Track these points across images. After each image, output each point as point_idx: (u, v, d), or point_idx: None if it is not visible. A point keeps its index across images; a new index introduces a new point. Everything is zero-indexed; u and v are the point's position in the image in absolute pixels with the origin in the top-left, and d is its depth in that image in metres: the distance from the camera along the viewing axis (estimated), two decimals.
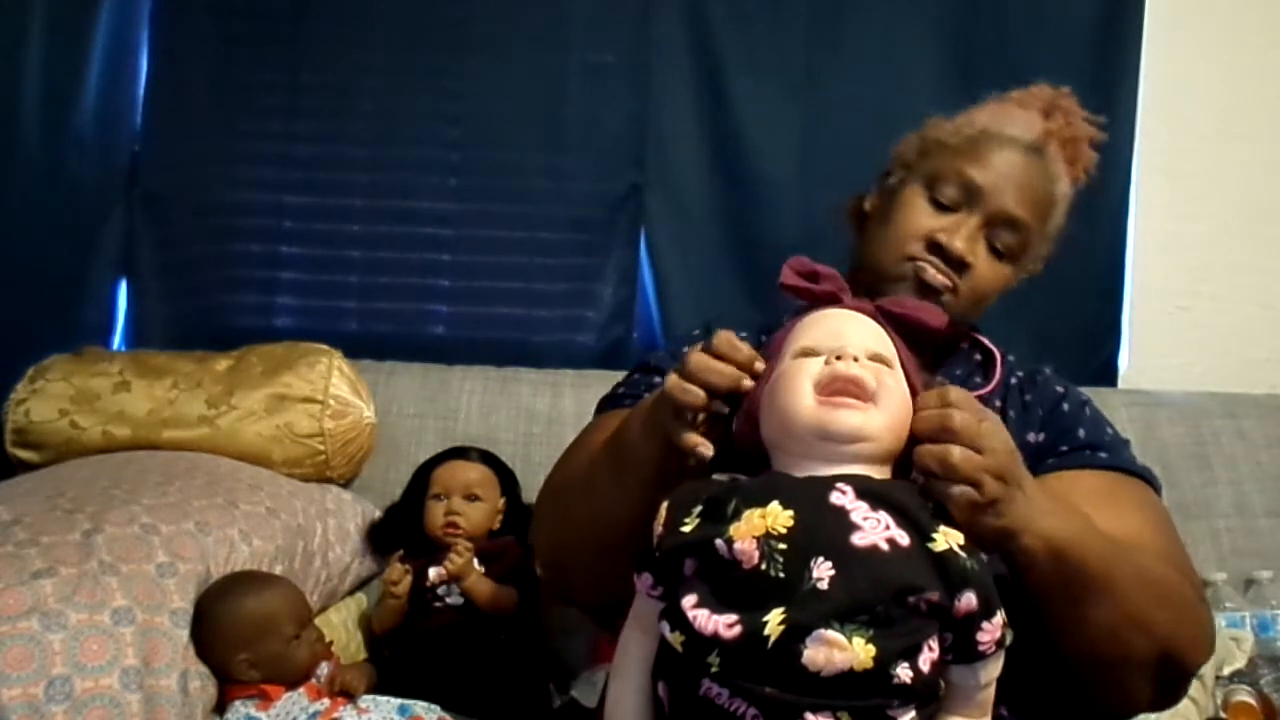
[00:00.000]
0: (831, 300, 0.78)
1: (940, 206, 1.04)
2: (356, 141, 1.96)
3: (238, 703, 1.20)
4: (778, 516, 0.65)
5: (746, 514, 0.66)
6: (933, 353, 1.04)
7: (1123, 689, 0.86)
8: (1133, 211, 1.90)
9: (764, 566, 0.64)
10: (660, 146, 1.93)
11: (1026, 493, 0.75)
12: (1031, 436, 1.01)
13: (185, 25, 1.96)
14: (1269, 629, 1.44)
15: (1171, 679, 0.87)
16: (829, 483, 0.67)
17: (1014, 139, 1.05)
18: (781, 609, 0.62)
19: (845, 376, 0.69)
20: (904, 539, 0.65)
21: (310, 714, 1.19)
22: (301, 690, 1.22)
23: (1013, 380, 1.07)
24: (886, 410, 0.69)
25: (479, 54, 1.94)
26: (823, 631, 0.61)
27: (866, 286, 0.99)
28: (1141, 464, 1.02)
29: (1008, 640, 0.67)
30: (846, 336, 0.73)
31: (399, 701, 1.24)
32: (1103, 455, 1.00)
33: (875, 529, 0.64)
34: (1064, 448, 1.01)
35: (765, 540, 0.64)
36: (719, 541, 0.65)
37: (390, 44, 1.95)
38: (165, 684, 1.12)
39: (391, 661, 1.39)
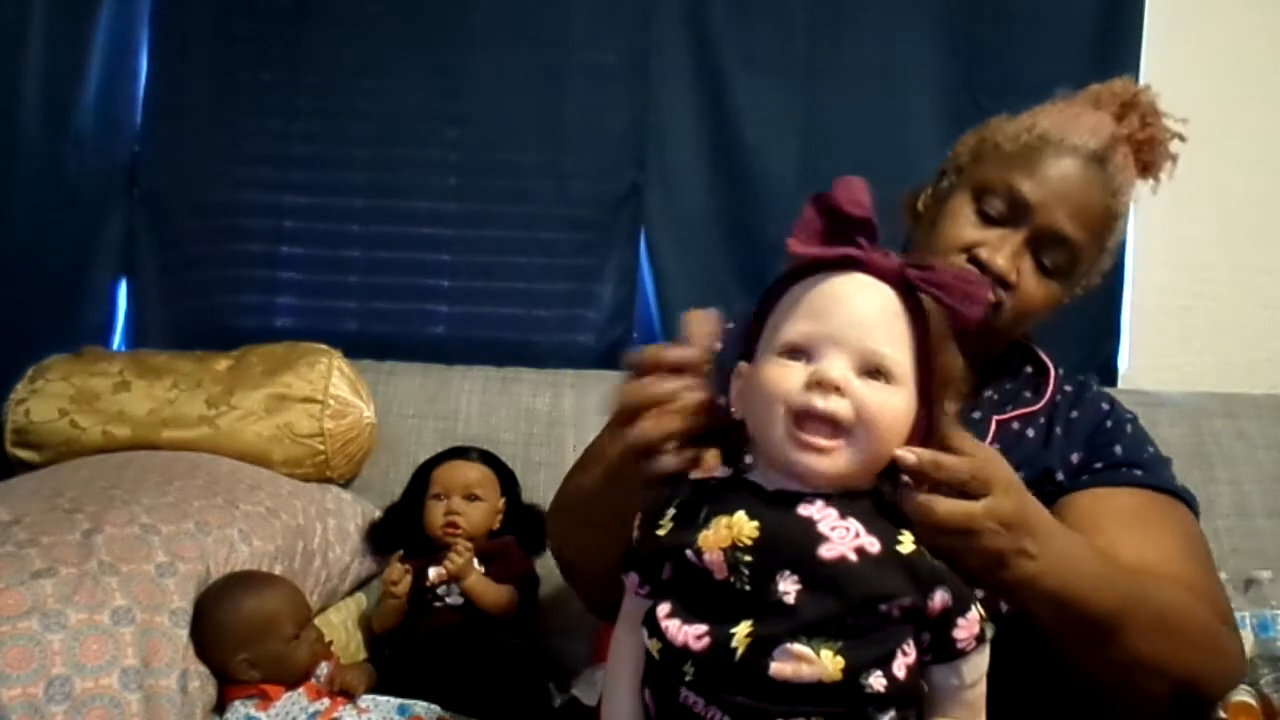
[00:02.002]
0: (848, 265, 0.67)
1: (986, 219, 0.99)
2: (356, 141, 1.96)
3: (237, 703, 1.20)
4: (743, 527, 0.64)
5: (715, 522, 0.65)
6: (982, 360, 1.02)
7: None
8: (1132, 211, 1.89)
9: (731, 578, 0.63)
10: (660, 146, 1.92)
11: (1039, 540, 0.73)
12: (1075, 457, 1.00)
13: (185, 25, 1.96)
14: (1269, 629, 1.44)
15: (1191, 709, 0.86)
16: (798, 495, 0.65)
17: (1075, 147, 0.99)
18: (749, 622, 0.62)
19: (819, 413, 0.64)
20: (874, 546, 0.63)
21: (310, 714, 1.19)
22: (301, 690, 1.22)
23: (1059, 397, 1.05)
24: (863, 444, 0.65)
25: (479, 54, 1.94)
26: (789, 645, 0.61)
27: None
28: (1180, 484, 1.00)
29: (988, 634, 0.66)
30: (842, 335, 0.65)
31: (399, 701, 1.24)
32: (1137, 473, 0.98)
33: (844, 539, 0.63)
34: (1098, 464, 0.99)
35: (732, 551, 0.63)
36: (689, 551, 0.65)
37: (390, 44, 1.94)
38: (165, 684, 1.11)
39: (391, 661, 1.39)
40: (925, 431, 0.69)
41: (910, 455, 0.67)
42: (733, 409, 0.71)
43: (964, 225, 1.00)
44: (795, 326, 0.67)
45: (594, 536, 0.86)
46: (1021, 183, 0.98)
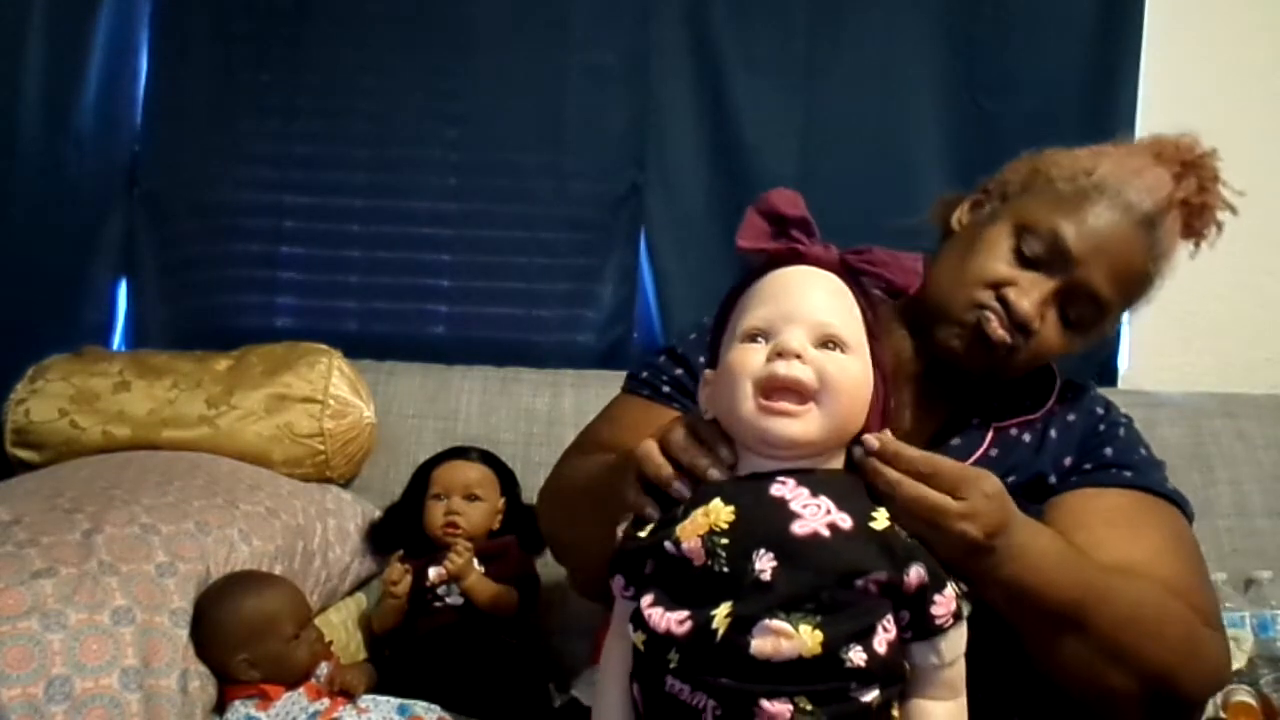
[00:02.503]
0: (792, 256, 0.73)
1: (1022, 258, 0.96)
2: (356, 141, 1.96)
3: (237, 703, 1.20)
4: (720, 513, 0.66)
5: (692, 514, 0.67)
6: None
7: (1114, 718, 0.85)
8: None
9: (709, 563, 0.65)
10: (660, 146, 1.92)
11: (1000, 536, 0.74)
12: (1068, 460, 1.00)
13: (185, 25, 1.96)
14: (1269, 629, 1.44)
15: (1169, 710, 0.86)
16: (770, 476, 0.68)
17: (1129, 205, 0.95)
18: (729, 603, 0.64)
19: (783, 380, 0.67)
20: (846, 522, 0.65)
21: (310, 714, 1.19)
22: (301, 690, 1.22)
23: (1058, 405, 1.04)
24: (830, 408, 0.67)
25: (479, 54, 1.94)
26: (768, 622, 0.62)
27: (927, 311, 0.97)
28: (1172, 487, 1.00)
29: (965, 612, 0.68)
30: (796, 314, 0.69)
31: (399, 701, 1.24)
32: (1126, 474, 0.98)
33: (816, 515, 0.65)
34: (1088, 465, 0.99)
35: (709, 537, 0.66)
36: (667, 543, 0.67)
37: (390, 44, 1.95)
38: (165, 684, 1.11)
39: (391, 661, 1.39)
40: (884, 408, 0.73)
41: (874, 440, 0.71)
42: (705, 413, 0.74)
43: (998, 260, 0.96)
44: (752, 314, 0.71)
45: (581, 532, 0.87)
46: (1067, 230, 0.94)
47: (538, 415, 1.73)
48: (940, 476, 0.70)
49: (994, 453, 1.00)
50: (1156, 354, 1.92)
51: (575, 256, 1.95)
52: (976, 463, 0.94)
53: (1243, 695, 1.33)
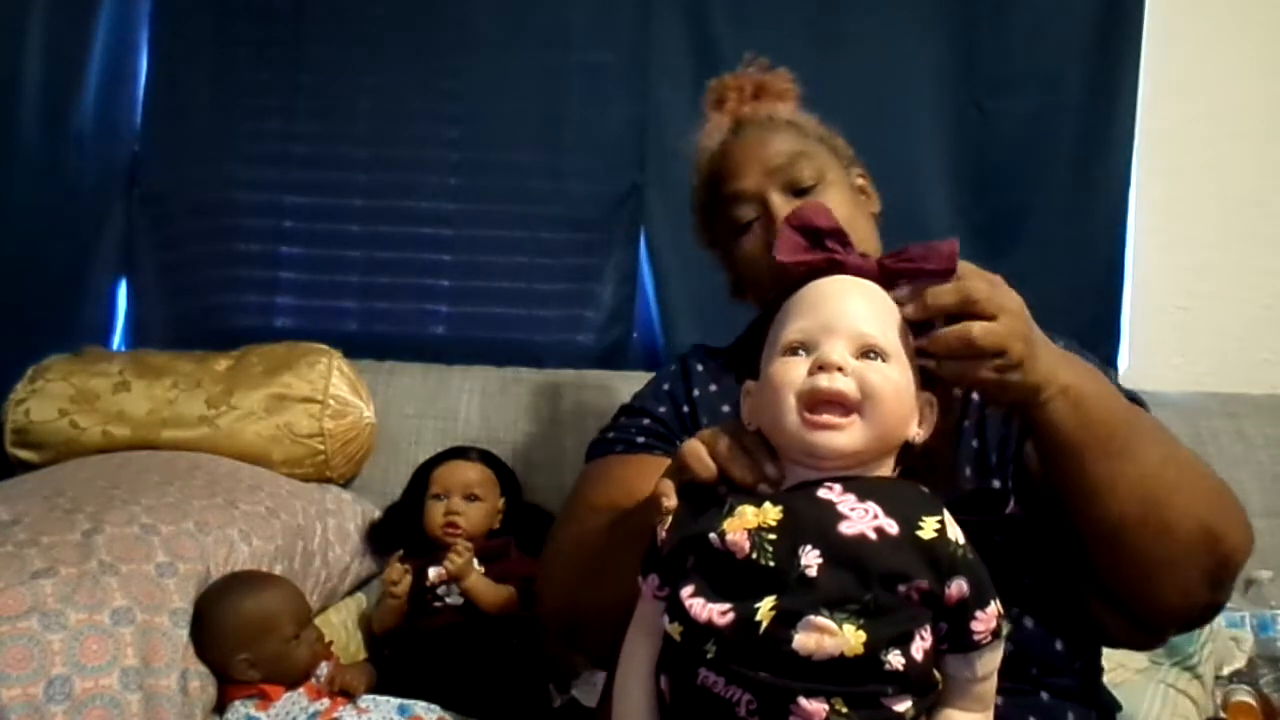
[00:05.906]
0: (831, 267, 0.74)
1: (747, 226, 1.09)
2: (356, 141, 1.97)
3: (237, 703, 1.20)
4: (769, 512, 0.67)
5: (739, 510, 0.68)
6: None
7: (1173, 573, 0.84)
8: (1132, 211, 1.90)
9: (755, 556, 0.65)
10: (660, 146, 1.92)
11: (1044, 349, 0.77)
12: None
13: (185, 25, 1.96)
14: (1269, 629, 1.44)
15: (1218, 566, 0.85)
16: (818, 483, 0.69)
17: (737, 142, 1.11)
18: (773, 597, 0.64)
19: (826, 394, 0.67)
20: (892, 528, 0.66)
21: (310, 714, 1.19)
22: (301, 690, 1.22)
23: None
24: (873, 416, 0.68)
25: (479, 54, 1.94)
26: (812, 618, 0.62)
27: None
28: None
29: (1004, 631, 0.68)
30: (836, 325, 0.70)
31: (399, 701, 1.24)
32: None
33: (863, 519, 0.66)
34: None
35: (756, 532, 0.66)
36: (712, 535, 0.67)
37: (390, 44, 1.95)
38: (165, 684, 1.12)
39: (391, 661, 1.39)
40: (943, 404, 0.74)
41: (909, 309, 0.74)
42: (749, 424, 0.74)
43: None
44: (793, 327, 0.72)
45: (616, 576, 0.82)
46: (731, 185, 1.10)
47: (538, 415, 1.73)
48: (979, 304, 0.73)
49: (974, 446, 0.98)
50: (1156, 354, 1.92)
51: (575, 256, 1.95)
52: (973, 421, 0.97)
53: (1243, 695, 1.33)
